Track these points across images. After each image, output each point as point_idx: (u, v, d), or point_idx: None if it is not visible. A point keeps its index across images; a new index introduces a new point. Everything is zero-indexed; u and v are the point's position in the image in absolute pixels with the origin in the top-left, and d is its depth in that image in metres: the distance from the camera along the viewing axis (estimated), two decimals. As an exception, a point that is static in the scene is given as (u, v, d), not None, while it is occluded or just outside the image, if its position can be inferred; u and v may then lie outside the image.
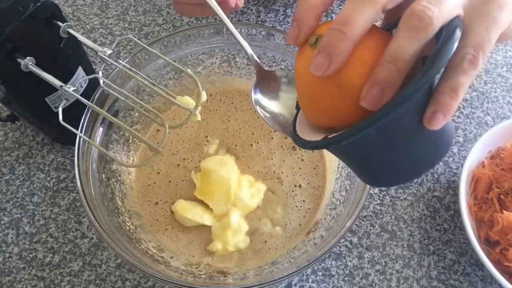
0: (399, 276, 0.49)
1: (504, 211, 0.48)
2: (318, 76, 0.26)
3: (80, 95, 0.39)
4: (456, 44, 0.24)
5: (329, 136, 0.27)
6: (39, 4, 0.40)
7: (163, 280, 0.39)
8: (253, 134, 0.55)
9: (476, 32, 0.26)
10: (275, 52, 0.53)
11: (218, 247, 0.47)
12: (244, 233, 0.48)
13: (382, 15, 0.27)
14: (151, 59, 0.51)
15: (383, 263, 0.50)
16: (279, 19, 0.69)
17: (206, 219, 0.48)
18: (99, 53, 0.40)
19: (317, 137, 0.29)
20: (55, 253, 0.50)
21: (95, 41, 0.66)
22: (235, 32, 0.40)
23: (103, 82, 0.40)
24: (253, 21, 0.69)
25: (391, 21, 0.31)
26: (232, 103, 0.57)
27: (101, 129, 0.48)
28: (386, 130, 0.25)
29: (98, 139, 0.47)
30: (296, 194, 0.51)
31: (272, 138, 0.54)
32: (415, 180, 0.56)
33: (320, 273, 0.49)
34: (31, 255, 0.49)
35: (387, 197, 0.54)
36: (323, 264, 0.50)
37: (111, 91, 0.40)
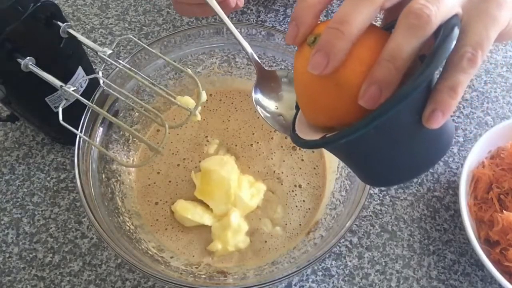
0: (399, 276, 0.49)
1: (504, 211, 0.48)
2: (316, 75, 0.26)
3: (80, 95, 0.40)
4: (454, 42, 0.24)
5: (328, 135, 0.27)
6: (39, 4, 0.40)
7: (163, 280, 0.39)
8: (253, 134, 0.55)
9: (475, 31, 0.26)
10: (275, 52, 0.53)
11: (218, 247, 0.47)
12: (244, 233, 0.48)
13: (381, 14, 0.27)
14: (151, 59, 0.51)
15: (383, 263, 0.50)
16: (279, 19, 0.69)
17: (206, 219, 0.48)
18: (99, 53, 0.40)
19: (316, 137, 0.29)
20: (55, 253, 0.50)
21: (95, 41, 0.66)
22: (235, 32, 0.40)
23: (103, 82, 0.40)
24: (253, 21, 0.69)
25: (391, 21, 0.31)
26: (232, 103, 0.57)
27: (101, 129, 0.48)
28: (384, 128, 0.25)
29: (98, 139, 0.47)
30: (296, 194, 0.51)
31: (272, 138, 0.54)
32: (415, 180, 0.56)
33: (320, 273, 0.49)
34: (31, 255, 0.49)
35: (387, 197, 0.54)
36: (323, 264, 0.50)
37: (111, 91, 0.40)
